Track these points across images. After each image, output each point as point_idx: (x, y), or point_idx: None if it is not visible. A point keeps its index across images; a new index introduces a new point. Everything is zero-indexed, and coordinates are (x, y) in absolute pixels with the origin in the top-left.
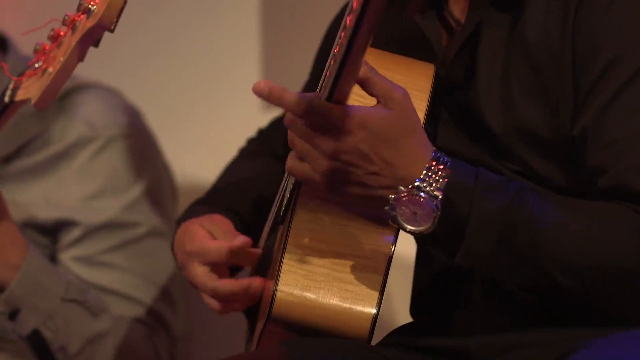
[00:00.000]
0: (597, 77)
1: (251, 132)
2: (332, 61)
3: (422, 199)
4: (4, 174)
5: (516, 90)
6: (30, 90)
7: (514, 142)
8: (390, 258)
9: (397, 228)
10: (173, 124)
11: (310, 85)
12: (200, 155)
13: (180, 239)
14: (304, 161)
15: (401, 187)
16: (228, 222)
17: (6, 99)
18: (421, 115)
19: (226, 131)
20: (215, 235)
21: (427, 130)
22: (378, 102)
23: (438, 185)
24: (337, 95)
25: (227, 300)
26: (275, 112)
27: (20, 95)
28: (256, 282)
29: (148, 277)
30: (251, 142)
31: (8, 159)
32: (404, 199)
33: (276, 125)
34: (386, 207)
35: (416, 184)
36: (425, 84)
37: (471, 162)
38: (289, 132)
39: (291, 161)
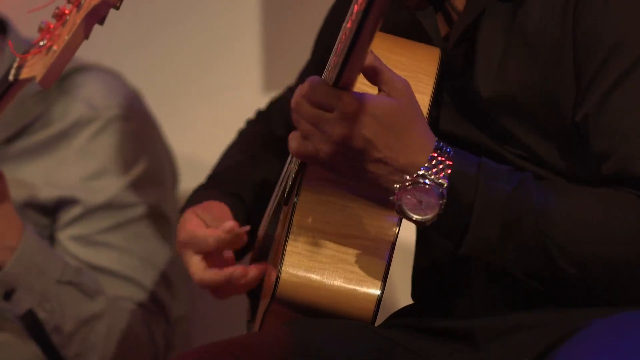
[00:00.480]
0: (598, 65)
1: (252, 112)
2: (339, 47)
3: (427, 186)
4: (5, 154)
5: (514, 77)
6: (34, 68)
7: (514, 127)
8: (395, 240)
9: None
10: (173, 106)
11: (311, 67)
12: (200, 138)
13: (177, 229)
14: (309, 143)
15: (406, 176)
16: (222, 207)
17: (10, 78)
18: (427, 98)
19: (227, 113)
20: (207, 222)
21: (432, 114)
22: (380, 91)
23: (442, 174)
24: (344, 81)
25: (215, 290)
26: (275, 94)
27: (24, 74)
28: (237, 270)
29: (146, 258)
30: (250, 123)
31: (10, 139)
32: (409, 187)
33: (276, 105)
34: (391, 197)
35: (421, 172)
36: (431, 67)
37: (474, 146)
38: (294, 115)
39: (295, 142)
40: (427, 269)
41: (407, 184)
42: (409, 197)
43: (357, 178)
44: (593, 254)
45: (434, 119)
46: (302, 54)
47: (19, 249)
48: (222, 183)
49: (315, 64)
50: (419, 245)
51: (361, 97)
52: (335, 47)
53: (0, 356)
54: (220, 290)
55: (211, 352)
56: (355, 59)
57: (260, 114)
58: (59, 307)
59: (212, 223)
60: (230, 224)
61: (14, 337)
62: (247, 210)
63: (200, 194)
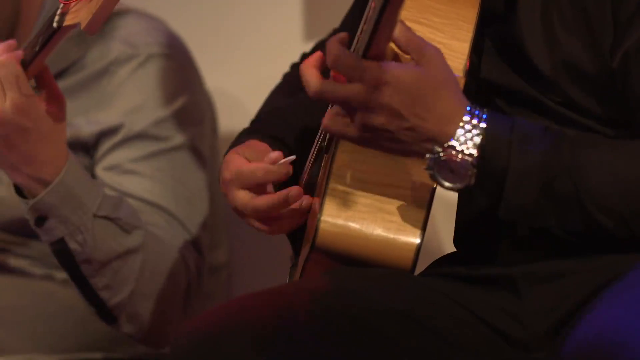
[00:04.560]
0: (635, 8)
1: (292, 59)
2: (368, 15)
3: (458, 158)
4: None
5: (557, 23)
6: (79, 14)
7: (557, 75)
8: (434, 189)
9: None
10: (214, 52)
11: (355, 14)
12: (241, 85)
13: (221, 170)
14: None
15: (437, 147)
16: (263, 144)
17: (54, 25)
18: (467, 46)
19: (268, 59)
20: (250, 159)
21: (472, 61)
22: (411, 59)
23: (473, 143)
24: (373, 51)
25: (270, 217)
26: (317, 40)
27: (69, 20)
28: (294, 190)
29: (178, 190)
30: (295, 66)
31: None
32: (441, 156)
33: (320, 48)
34: (423, 167)
35: (451, 142)
36: (470, 13)
37: (515, 94)
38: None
39: (327, 119)
40: (469, 217)
41: (439, 153)
42: (440, 165)
43: (387, 147)
44: (632, 209)
45: (475, 66)
46: (346, 2)
47: (56, 180)
48: (264, 127)
49: (359, 10)
50: (461, 194)
51: (385, 67)
52: (365, 14)
53: (44, 302)
54: (274, 220)
55: (251, 302)
56: (384, 27)
57: (304, 57)
58: (92, 241)
59: (256, 157)
60: (275, 153)
61: (54, 284)
62: (290, 154)
63: (243, 138)
